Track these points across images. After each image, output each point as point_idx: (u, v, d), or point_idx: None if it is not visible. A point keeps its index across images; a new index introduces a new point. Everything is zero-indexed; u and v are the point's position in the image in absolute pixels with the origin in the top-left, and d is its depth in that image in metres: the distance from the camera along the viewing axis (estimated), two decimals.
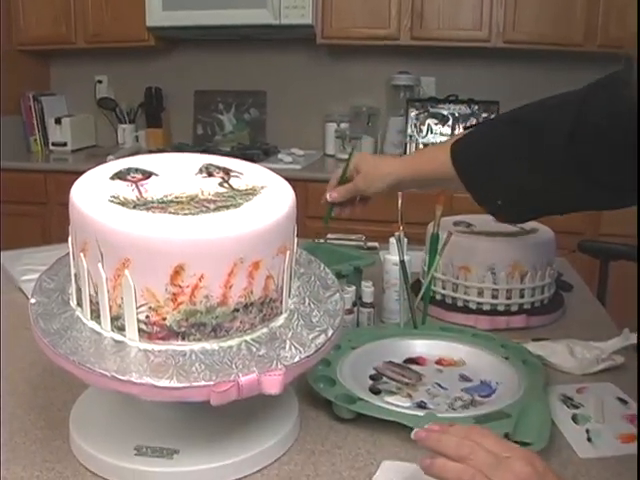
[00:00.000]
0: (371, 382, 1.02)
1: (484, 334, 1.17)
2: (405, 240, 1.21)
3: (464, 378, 1.04)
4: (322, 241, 1.56)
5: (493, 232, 1.35)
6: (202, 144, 3.49)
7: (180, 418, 0.86)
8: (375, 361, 1.08)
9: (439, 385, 1.01)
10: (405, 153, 3.08)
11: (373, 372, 1.05)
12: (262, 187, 0.82)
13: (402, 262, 1.19)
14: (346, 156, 1.26)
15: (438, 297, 1.35)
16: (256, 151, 3.25)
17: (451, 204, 2.61)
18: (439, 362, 1.09)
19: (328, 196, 1.25)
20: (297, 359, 0.75)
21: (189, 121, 3.72)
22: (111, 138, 3.82)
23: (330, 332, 0.80)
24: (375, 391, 0.98)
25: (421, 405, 0.95)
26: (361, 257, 1.33)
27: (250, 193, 0.80)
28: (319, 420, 0.93)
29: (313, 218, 2.90)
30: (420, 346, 1.13)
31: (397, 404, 0.93)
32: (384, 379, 1.03)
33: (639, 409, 0.92)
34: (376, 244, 1.75)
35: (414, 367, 1.07)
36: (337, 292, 0.89)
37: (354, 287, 1.19)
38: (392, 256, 1.25)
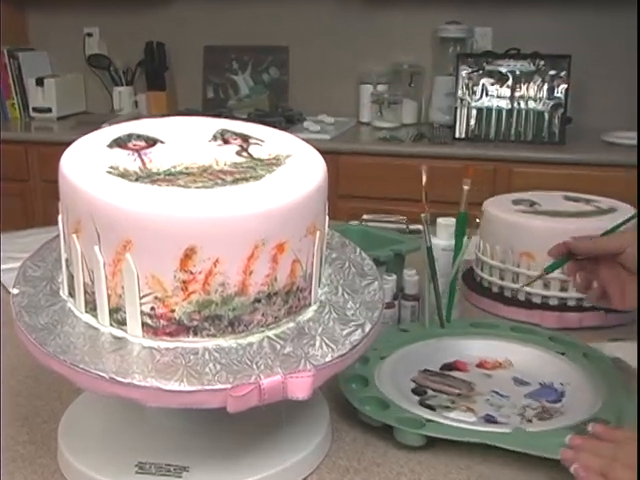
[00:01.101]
0: (417, 398, 1.00)
1: (524, 327, 1.17)
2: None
3: (519, 382, 1.04)
4: (357, 223, 1.56)
5: (561, 212, 1.34)
6: (213, 110, 3.50)
7: (190, 429, 0.87)
8: (409, 371, 1.07)
9: (497, 393, 1.01)
10: (455, 120, 3.05)
11: (413, 385, 1.04)
12: (287, 156, 0.83)
13: (429, 249, 1.18)
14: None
15: (495, 289, 1.35)
16: (277, 118, 3.25)
17: (509, 179, 2.61)
18: (481, 365, 1.10)
19: (572, 238, 1.10)
20: (329, 358, 0.76)
21: (197, 83, 3.73)
22: (105, 103, 3.83)
23: (368, 327, 0.81)
24: (426, 407, 0.97)
25: (489, 419, 0.95)
26: (403, 241, 1.33)
27: (273, 163, 0.81)
28: (354, 432, 0.93)
29: (345, 197, 2.91)
30: (453, 348, 1.13)
31: (462, 419, 0.92)
32: (430, 392, 1.02)
33: (639, 408, 0.91)
34: (420, 227, 1.74)
35: (456, 374, 1.07)
36: (375, 280, 0.89)
37: (395, 276, 1.20)
38: (441, 240, 1.25)
